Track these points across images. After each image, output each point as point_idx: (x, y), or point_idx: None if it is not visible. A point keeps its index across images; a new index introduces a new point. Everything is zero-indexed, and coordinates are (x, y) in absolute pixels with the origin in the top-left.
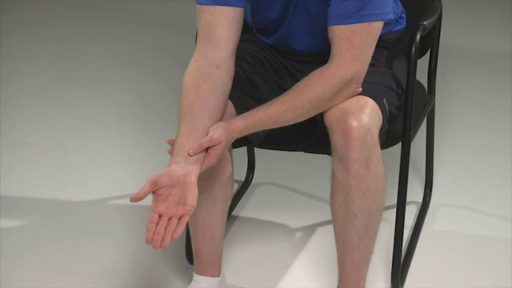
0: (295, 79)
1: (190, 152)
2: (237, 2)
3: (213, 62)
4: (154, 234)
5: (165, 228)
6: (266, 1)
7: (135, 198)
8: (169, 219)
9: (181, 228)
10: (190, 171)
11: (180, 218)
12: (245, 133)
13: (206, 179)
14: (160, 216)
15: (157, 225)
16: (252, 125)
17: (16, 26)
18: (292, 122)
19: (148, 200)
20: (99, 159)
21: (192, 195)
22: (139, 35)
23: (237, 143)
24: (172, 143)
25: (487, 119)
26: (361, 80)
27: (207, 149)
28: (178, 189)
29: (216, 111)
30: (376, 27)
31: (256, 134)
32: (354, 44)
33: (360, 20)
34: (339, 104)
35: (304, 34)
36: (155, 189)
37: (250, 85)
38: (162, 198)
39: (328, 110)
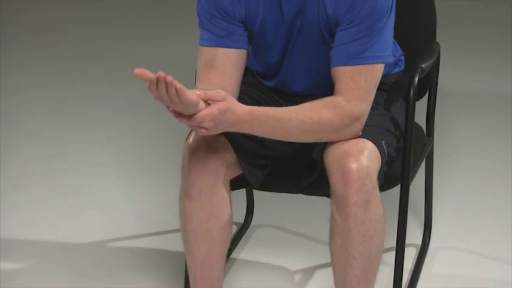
0: None
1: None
2: (241, 44)
3: (218, 87)
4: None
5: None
6: (265, 45)
7: (141, 70)
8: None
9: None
10: (192, 91)
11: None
12: (247, 120)
13: (205, 221)
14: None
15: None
16: (256, 114)
17: (16, 67)
18: (294, 136)
19: (148, 243)
20: (99, 201)
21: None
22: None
23: (236, 185)
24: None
25: (486, 161)
26: (365, 121)
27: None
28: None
29: None
30: (379, 70)
31: (255, 176)
32: (360, 84)
33: (363, 62)
34: (340, 142)
35: (303, 76)
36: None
37: None
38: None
39: (328, 151)
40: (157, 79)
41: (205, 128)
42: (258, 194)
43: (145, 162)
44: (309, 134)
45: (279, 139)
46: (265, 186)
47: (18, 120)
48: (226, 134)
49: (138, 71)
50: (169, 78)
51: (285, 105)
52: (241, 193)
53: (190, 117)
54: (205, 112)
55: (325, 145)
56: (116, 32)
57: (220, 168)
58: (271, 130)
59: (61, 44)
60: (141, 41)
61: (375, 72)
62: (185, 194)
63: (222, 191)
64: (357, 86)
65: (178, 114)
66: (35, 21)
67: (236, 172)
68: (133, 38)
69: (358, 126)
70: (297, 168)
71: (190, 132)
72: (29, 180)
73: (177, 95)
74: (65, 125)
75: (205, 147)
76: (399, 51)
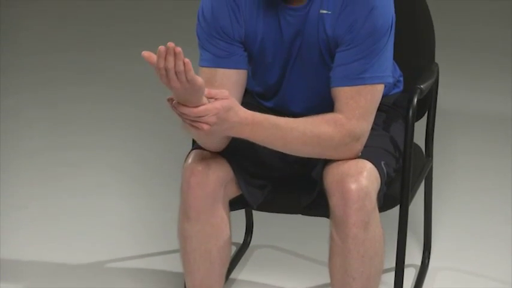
0: None
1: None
2: (240, 65)
3: None
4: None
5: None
6: (264, 66)
7: (148, 53)
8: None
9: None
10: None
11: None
12: (249, 123)
13: (204, 242)
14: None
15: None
16: (259, 119)
17: (15, 88)
18: (293, 147)
19: (147, 264)
20: (98, 222)
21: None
22: (139, 97)
23: (235, 206)
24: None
25: (486, 182)
26: (365, 142)
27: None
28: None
29: None
30: (379, 90)
31: (254, 196)
32: (361, 103)
33: (363, 82)
34: (339, 162)
35: (302, 96)
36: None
37: (248, 148)
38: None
39: (327, 171)
40: (167, 50)
41: (207, 124)
42: (257, 214)
43: (144, 183)
44: (308, 147)
45: (278, 149)
46: (265, 207)
47: (18, 141)
48: (225, 155)
49: (146, 53)
50: (178, 49)
51: None
52: (241, 213)
53: (193, 109)
54: (208, 106)
55: (324, 165)
56: (117, 53)
57: (219, 189)
58: (271, 138)
59: (61, 65)
60: (142, 61)
61: (375, 92)
62: (184, 215)
63: (221, 211)
64: (358, 105)
65: (181, 106)
66: (34, 43)
67: (235, 192)
68: (135, 59)
69: (358, 147)
70: (296, 189)
71: (189, 153)
72: (29, 201)
73: (184, 71)
74: (64, 146)
75: (204, 168)
76: (398, 72)
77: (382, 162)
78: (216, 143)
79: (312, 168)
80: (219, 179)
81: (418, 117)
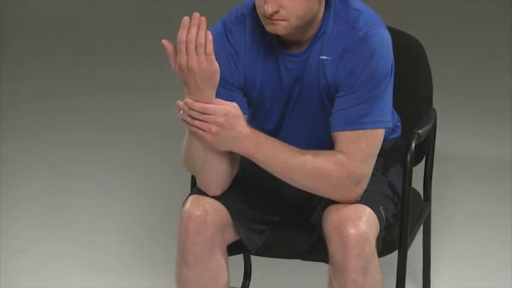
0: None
1: None
2: (241, 110)
3: None
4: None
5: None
6: (263, 111)
7: (168, 42)
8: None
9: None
10: None
11: None
12: (254, 139)
13: (202, 287)
14: None
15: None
16: (264, 138)
17: (15, 132)
18: (292, 175)
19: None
20: (97, 267)
21: None
22: (139, 142)
23: (233, 250)
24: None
25: (484, 227)
26: (365, 186)
27: None
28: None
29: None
30: (380, 135)
31: (252, 241)
32: (361, 147)
33: (364, 127)
34: (338, 207)
35: (301, 140)
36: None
37: (246, 193)
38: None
39: (326, 216)
40: (191, 21)
41: (214, 125)
42: (255, 259)
43: (143, 229)
44: (307, 178)
45: (278, 175)
46: (263, 252)
47: (18, 185)
48: (222, 200)
49: (166, 42)
50: (203, 18)
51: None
52: (239, 257)
53: (203, 104)
54: (218, 106)
55: (323, 210)
56: (115, 97)
57: (217, 234)
58: (273, 160)
59: (60, 109)
60: (140, 106)
61: (376, 137)
62: (182, 261)
63: (219, 256)
64: (358, 149)
65: (191, 102)
66: (34, 87)
67: (233, 237)
68: (132, 104)
69: (358, 191)
70: (294, 234)
71: (187, 199)
72: (28, 245)
73: (204, 44)
74: (64, 190)
75: (202, 213)
76: (396, 117)
77: (381, 207)
78: (218, 169)
79: (311, 213)
80: (217, 224)
81: (416, 161)
